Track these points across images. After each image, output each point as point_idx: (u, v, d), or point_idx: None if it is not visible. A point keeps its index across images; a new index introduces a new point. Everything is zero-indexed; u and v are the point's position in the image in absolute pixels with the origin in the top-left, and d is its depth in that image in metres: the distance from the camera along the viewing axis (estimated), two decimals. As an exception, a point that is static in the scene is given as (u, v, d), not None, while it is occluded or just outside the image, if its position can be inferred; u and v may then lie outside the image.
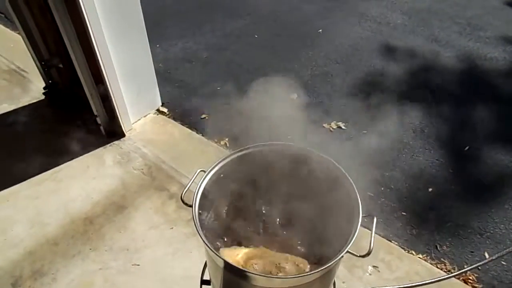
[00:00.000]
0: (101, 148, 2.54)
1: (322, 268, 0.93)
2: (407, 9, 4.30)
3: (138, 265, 1.92)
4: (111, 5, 2.14)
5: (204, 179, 1.13)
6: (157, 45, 3.64)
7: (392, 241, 2.02)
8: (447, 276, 1.80)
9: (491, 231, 2.05)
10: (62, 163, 2.43)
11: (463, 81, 3.20)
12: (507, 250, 1.72)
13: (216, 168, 1.17)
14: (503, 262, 1.91)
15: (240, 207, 1.21)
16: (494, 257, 1.77)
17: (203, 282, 1.39)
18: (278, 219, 1.20)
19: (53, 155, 2.47)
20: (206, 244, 0.95)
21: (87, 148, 2.52)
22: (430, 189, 2.28)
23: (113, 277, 1.87)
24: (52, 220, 2.11)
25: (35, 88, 3.00)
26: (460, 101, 2.98)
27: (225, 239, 1.15)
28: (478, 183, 2.34)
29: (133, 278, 1.86)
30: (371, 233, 1.00)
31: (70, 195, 2.25)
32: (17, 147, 2.55)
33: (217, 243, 1.14)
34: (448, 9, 4.27)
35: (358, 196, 1.06)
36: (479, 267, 1.88)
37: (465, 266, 1.86)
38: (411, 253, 1.96)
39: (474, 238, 2.03)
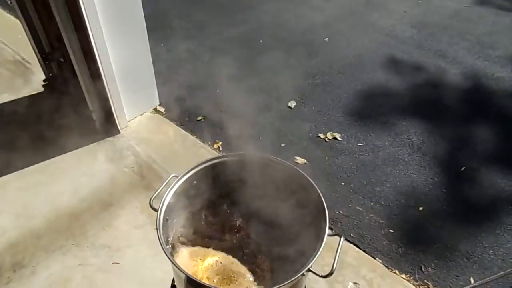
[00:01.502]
0: (94, 144, 2.55)
1: (282, 285, 0.91)
2: (417, 23, 4.25)
3: (118, 263, 1.91)
4: (111, 3, 2.15)
5: (174, 185, 1.12)
6: (161, 44, 3.66)
7: (376, 258, 1.98)
8: (429, 299, 1.76)
9: (479, 256, 2.00)
10: (54, 156, 2.44)
11: (467, 100, 3.14)
12: (494, 276, 1.68)
13: (189, 175, 1.16)
14: (488, 289, 1.85)
15: (209, 215, 1.20)
16: (478, 283, 1.73)
17: (173, 287, 1.37)
18: (246, 230, 1.18)
19: (46, 147, 2.49)
20: (167, 255, 0.94)
21: (80, 143, 2.53)
22: (421, 208, 2.24)
23: (92, 274, 1.86)
24: (38, 213, 2.12)
25: (36, 80, 3.03)
26: (462, 119, 2.92)
27: (192, 244, 1.14)
28: (471, 205, 2.28)
29: (111, 276, 1.86)
30: (336, 255, 0.97)
31: (58, 189, 2.26)
32: (12, 137, 2.58)
33: (183, 247, 1.12)
34: (459, 25, 4.21)
35: (327, 214, 1.03)
36: (463, 292, 1.83)
37: (449, 290, 1.82)
38: (394, 272, 1.92)
39: (460, 262, 1.98)
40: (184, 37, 3.85)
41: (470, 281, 1.89)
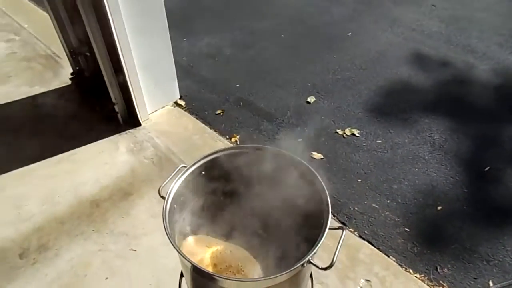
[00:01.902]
0: (116, 135, 2.65)
1: (281, 274, 0.92)
2: (446, 17, 4.10)
3: (135, 250, 1.98)
4: (133, -1, 2.22)
5: (183, 174, 1.15)
6: (184, 39, 3.72)
7: (390, 257, 1.95)
8: (443, 300, 1.72)
9: (500, 259, 1.93)
10: (79, 146, 2.55)
11: (496, 97, 3.01)
12: (513, 280, 1.62)
13: (197, 165, 1.18)
14: (507, 293, 1.79)
15: (217, 205, 1.22)
16: (498, 286, 1.68)
17: (182, 275, 1.41)
18: (251, 222, 1.20)
19: (72, 137, 2.61)
20: (172, 243, 0.97)
21: (103, 134, 2.64)
22: (439, 207, 2.18)
23: (110, 260, 1.94)
24: (62, 200, 2.23)
25: (65, 73, 3.17)
26: (488, 117, 2.81)
27: (199, 233, 1.17)
28: (494, 206, 2.20)
29: (128, 262, 1.93)
30: (337, 248, 0.97)
31: (82, 177, 2.36)
32: (42, 127, 2.72)
33: (190, 236, 1.16)
34: (491, 19, 4.03)
35: (330, 206, 1.03)
36: (480, 295, 1.77)
37: (465, 292, 1.77)
38: (408, 272, 1.88)
39: (479, 264, 1.92)
40: (206, 31, 3.90)
41: (488, 284, 1.83)
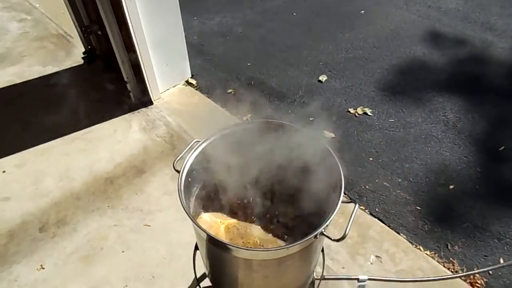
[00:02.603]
0: (129, 114, 2.68)
1: (294, 244, 0.94)
2: (464, -7, 3.97)
3: (149, 226, 2.04)
4: (144, -25, 2.20)
5: (196, 149, 1.17)
6: (195, 18, 3.69)
7: (401, 234, 1.96)
8: (453, 276, 1.74)
9: (511, 237, 1.93)
10: (93, 124, 2.59)
11: (513, 76, 2.94)
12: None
13: (210, 140, 1.20)
14: (518, 270, 1.79)
15: (229, 180, 1.24)
16: (509, 263, 1.68)
17: (197, 248, 1.45)
18: (264, 196, 1.21)
19: (86, 116, 2.65)
20: (188, 215, 1.00)
21: (116, 113, 2.67)
22: (451, 186, 2.17)
23: (125, 234, 2.00)
24: (78, 177, 2.28)
25: (77, 53, 3.19)
26: (504, 97, 2.75)
27: (213, 210, 1.19)
28: (507, 186, 2.18)
29: (143, 237, 1.99)
30: (349, 221, 0.98)
31: (96, 155, 2.41)
32: (56, 106, 2.76)
33: (205, 213, 1.18)
34: (512, -5, 3.88)
35: (343, 181, 1.04)
36: (491, 272, 1.78)
37: (475, 269, 1.78)
38: (419, 249, 1.90)
39: (490, 242, 1.92)
40: (217, 10, 3.85)
41: (499, 261, 1.84)
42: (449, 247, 1.91)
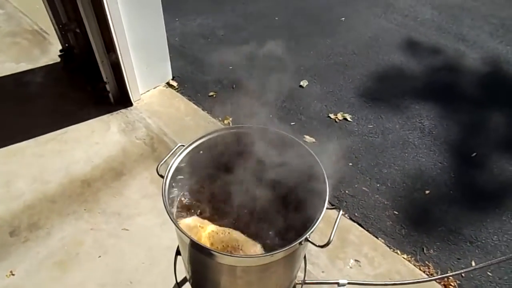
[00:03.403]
0: (108, 115, 2.61)
1: (279, 251, 0.94)
2: (439, 4, 4.11)
3: (128, 230, 1.99)
4: (126, -26, 2.16)
5: (181, 153, 1.15)
6: (176, 19, 3.65)
7: (379, 238, 2.01)
8: (428, 279, 1.79)
9: (483, 241, 2.01)
10: (69, 125, 2.51)
11: (485, 85, 3.07)
12: (496, 260, 1.69)
13: (195, 144, 1.19)
14: (489, 273, 1.87)
15: (214, 185, 1.23)
16: (480, 266, 1.75)
17: (178, 253, 1.43)
18: (248, 201, 1.21)
19: (62, 117, 2.56)
20: (172, 220, 0.98)
21: (94, 113, 2.60)
22: (427, 191, 2.24)
23: (102, 239, 1.95)
24: (53, 179, 2.20)
25: (53, 50, 3.08)
26: (477, 105, 2.87)
27: (196, 214, 1.18)
28: (479, 191, 2.27)
29: (121, 241, 1.94)
30: (334, 226, 1.00)
31: (73, 157, 2.33)
32: (29, 106, 2.66)
33: (188, 217, 1.17)
34: (483, 7, 4.06)
35: (327, 187, 1.05)
36: (463, 274, 1.85)
37: (449, 272, 1.84)
38: (396, 252, 1.95)
39: (463, 246, 1.99)
40: (199, 12, 3.83)
41: (471, 264, 1.91)
42: (424, 250, 1.97)
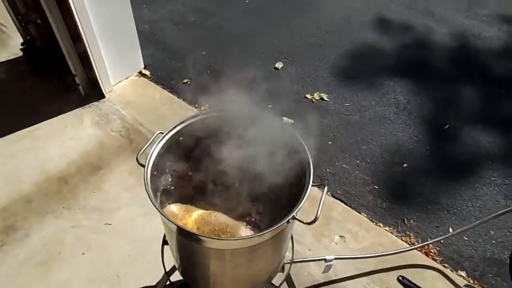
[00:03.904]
0: (79, 109, 2.52)
1: (267, 231, 0.94)
2: (406, -19, 4.15)
3: (110, 224, 1.95)
4: (88, -41, 2.05)
5: (160, 140, 1.12)
6: (144, 6, 3.52)
7: (362, 213, 2.06)
8: (409, 248, 1.86)
9: (458, 208, 2.10)
10: (40, 121, 2.41)
11: (454, 59, 3.15)
12: (470, 225, 1.78)
13: (174, 131, 1.16)
14: (465, 238, 1.96)
15: (197, 170, 1.22)
16: (456, 232, 1.83)
17: (165, 242, 1.42)
18: (232, 184, 1.21)
19: (30, 113, 2.45)
20: (157, 208, 0.96)
21: (65, 108, 2.50)
22: (405, 165, 2.31)
23: (85, 235, 1.90)
24: (27, 178, 2.12)
25: (14, 44, 2.92)
26: (448, 79, 2.95)
27: (180, 201, 1.16)
28: (453, 161, 2.36)
29: (105, 236, 1.90)
30: (320, 203, 1.01)
31: (46, 154, 2.25)
32: (-6, 103, 2.52)
33: (171, 204, 1.15)
34: (449, -17, 4.13)
35: (311, 163, 1.06)
36: (442, 241, 1.93)
37: (429, 240, 1.91)
38: (379, 226, 2.00)
39: (441, 214, 2.07)
40: (167, -3, 3.71)
41: (448, 230, 1.99)
42: (405, 221, 2.04)
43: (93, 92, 2.56)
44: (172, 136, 1.15)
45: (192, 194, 1.19)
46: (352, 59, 3.10)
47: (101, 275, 1.75)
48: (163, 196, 1.20)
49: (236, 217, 1.15)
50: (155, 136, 1.16)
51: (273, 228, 0.95)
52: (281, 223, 0.96)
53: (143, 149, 1.12)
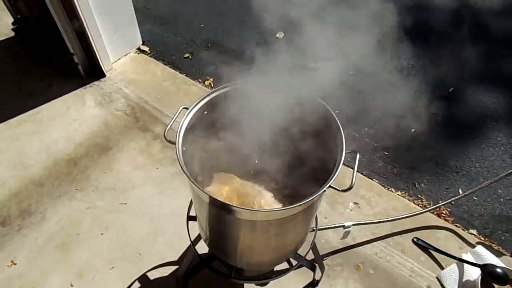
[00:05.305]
0: (80, 89, 2.45)
1: (305, 201, 0.95)
2: None
3: (126, 203, 1.95)
4: None
5: (187, 116, 1.11)
6: (135, -22, 3.37)
7: (373, 179, 2.09)
8: (422, 211, 1.91)
9: (467, 169, 2.14)
10: (40, 104, 2.35)
11: (455, 21, 3.11)
12: (479, 186, 1.82)
13: (200, 105, 1.14)
14: (474, 198, 2.01)
15: (225, 144, 1.21)
16: (466, 193, 1.87)
17: (190, 218, 1.42)
18: (262, 157, 1.21)
19: (30, 95, 2.38)
20: (191, 180, 0.96)
21: (65, 88, 2.43)
22: (412, 130, 2.32)
23: (101, 215, 1.90)
24: (35, 162, 2.08)
25: (4, 25, 2.79)
26: (448, 41, 2.93)
27: (209, 175, 1.16)
28: (459, 124, 2.38)
29: (121, 216, 1.90)
30: (354, 169, 1.02)
31: (51, 136, 2.20)
32: (-10, 87, 2.44)
33: (201, 179, 1.15)
34: None
35: (343, 133, 1.06)
36: (452, 202, 1.98)
37: (440, 202, 1.96)
38: (391, 191, 2.04)
39: (450, 176, 2.12)
40: (158, -32, 3.55)
41: (459, 192, 2.04)
42: (416, 185, 2.08)
43: (92, 71, 2.49)
44: (198, 111, 1.13)
45: (221, 167, 1.19)
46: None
47: (122, 254, 1.77)
48: (193, 169, 1.19)
49: (269, 188, 1.15)
50: (180, 111, 1.14)
51: (309, 199, 0.95)
52: (318, 193, 0.96)
53: (169, 125, 1.10)
